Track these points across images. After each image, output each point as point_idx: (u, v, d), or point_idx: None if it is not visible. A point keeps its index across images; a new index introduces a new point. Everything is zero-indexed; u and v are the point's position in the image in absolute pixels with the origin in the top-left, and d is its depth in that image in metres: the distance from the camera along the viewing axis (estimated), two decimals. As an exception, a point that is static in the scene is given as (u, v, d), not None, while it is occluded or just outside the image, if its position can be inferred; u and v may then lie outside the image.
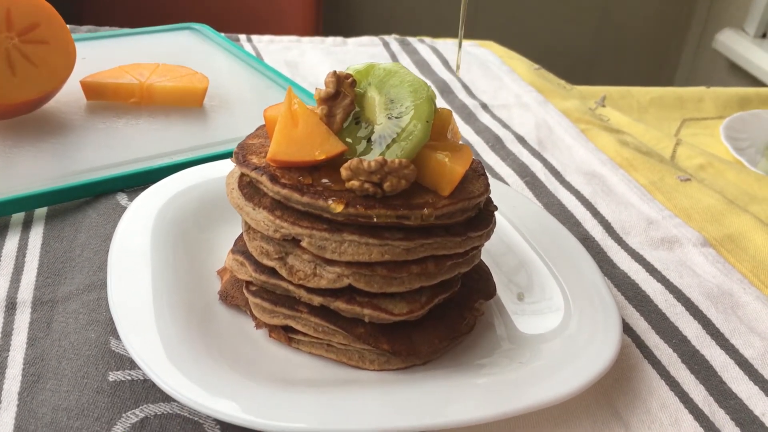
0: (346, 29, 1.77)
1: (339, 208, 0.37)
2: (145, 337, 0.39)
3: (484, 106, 0.79)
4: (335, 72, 0.41)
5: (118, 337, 0.42)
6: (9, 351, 0.41)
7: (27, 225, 0.51)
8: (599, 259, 0.55)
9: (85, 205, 0.54)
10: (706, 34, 1.98)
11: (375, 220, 0.38)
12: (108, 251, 0.48)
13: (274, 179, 0.39)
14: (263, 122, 0.48)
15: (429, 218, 0.38)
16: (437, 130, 0.42)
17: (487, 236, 0.43)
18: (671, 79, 2.09)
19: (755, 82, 1.68)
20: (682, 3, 2.00)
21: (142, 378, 0.40)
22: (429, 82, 0.84)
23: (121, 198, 0.55)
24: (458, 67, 0.38)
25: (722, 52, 1.83)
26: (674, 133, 0.94)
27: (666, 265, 0.54)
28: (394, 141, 0.39)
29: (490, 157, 0.68)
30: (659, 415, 0.41)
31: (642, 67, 2.09)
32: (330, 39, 0.94)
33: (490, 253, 0.50)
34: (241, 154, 0.42)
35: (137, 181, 0.56)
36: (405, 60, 0.91)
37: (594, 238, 0.57)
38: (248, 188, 0.42)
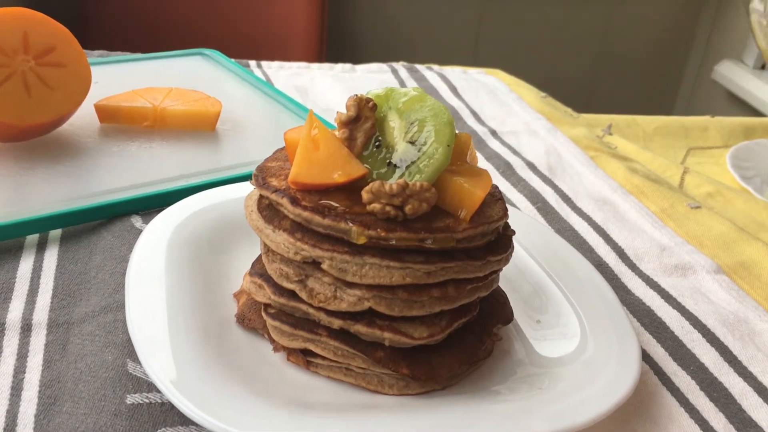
0: (350, 56, 1.79)
1: (362, 239, 0.37)
2: (163, 360, 0.39)
3: (494, 133, 0.80)
4: (356, 95, 0.41)
5: (135, 360, 0.42)
6: (25, 373, 0.41)
7: (41, 246, 0.51)
8: (613, 285, 0.54)
9: (99, 227, 0.54)
10: (705, 65, 2.00)
11: (394, 243, 0.38)
12: (123, 273, 0.48)
13: (294, 202, 0.39)
14: (276, 147, 0.48)
15: (451, 243, 0.38)
16: (456, 155, 0.42)
17: (507, 260, 0.43)
18: (671, 109, 2.11)
19: (755, 112, 1.69)
20: (681, 34, 2.02)
21: (159, 401, 0.39)
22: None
23: (136, 220, 0.55)
24: None
25: (721, 83, 1.85)
26: (680, 161, 0.95)
27: (680, 292, 0.54)
28: (414, 164, 0.39)
29: (501, 183, 0.69)
30: (680, 443, 0.41)
31: (642, 97, 2.10)
32: (339, 65, 0.95)
33: (506, 278, 0.50)
34: (260, 176, 0.43)
35: (151, 204, 0.56)
36: (413, 86, 0.91)
37: (608, 264, 0.57)
38: (267, 210, 0.42)
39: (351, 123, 0.41)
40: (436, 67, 0.99)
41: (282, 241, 0.40)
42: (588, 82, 2.05)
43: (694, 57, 2.04)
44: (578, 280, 0.50)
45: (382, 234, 0.37)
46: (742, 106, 1.78)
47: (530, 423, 0.38)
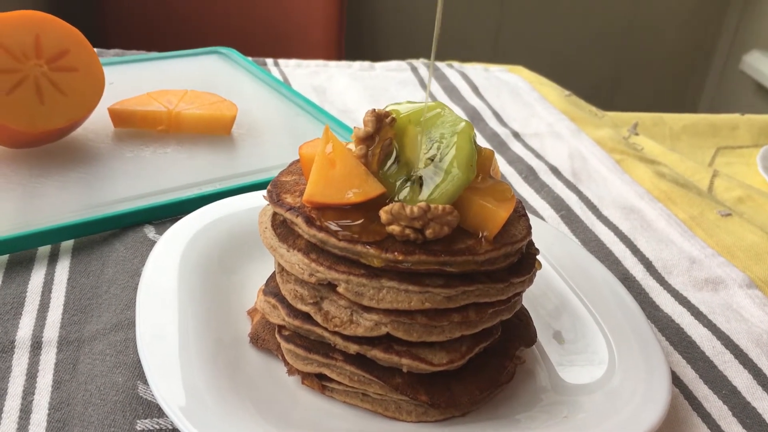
0: (370, 51, 1.76)
1: (378, 262, 0.36)
2: (173, 385, 0.37)
3: (516, 135, 0.78)
4: (374, 110, 0.39)
5: (145, 382, 0.40)
6: (34, 394, 0.40)
7: (53, 258, 0.50)
8: (641, 301, 0.52)
9: (112, 237, 0.53)
10: (732, 55, 1.95)
11: (410, 266, 0.36)
12: (135, 288, 0.47)
13: (309, 221, 0.38)
14: (292, 151, 0.46)
15: (472, 266, 0.37)
16: (478, 170, 0.40)
17: (530, 281, 0.41)
18: (697, 102, 2.07)
19: (785, 105, 1.65)
20: (708, 24, 1.97)
21: (170, 427, 0.38)
22: (460, 110, 0.83)
23: (149, 231, 0.54)
24: (428, 89, 0.35)
25: (750, 74, 1.80)
26: (708, 162, 0.92)
27: (711, 308, 0.52)
28: (434, 183, 0.38)
29: (523, 189, 0.67)
30: (712, 475, 0.39)
31: (668, 90, 2.06)
32: (357, 63, 0.93)
33: (528, 295, 0.48)
34: (274, 192, 0.41)
35: (165, 213, 0.55)
36: (433, 85, 0.89)
37: (635, 277, 0.55)
38: (282, 228, 0.41)
39: (369, 139, 0.39)
40: (456, 64, 0.97)
41: (296, 261, 0.39)
42: (613, 73, 2.01)
43: (721, 47, 1.99)
44: (604, 297, 0.48)
45: (400, 258, 0.36)
46: (772, 99, 1.73)
47: (554, 456, 0.36)
